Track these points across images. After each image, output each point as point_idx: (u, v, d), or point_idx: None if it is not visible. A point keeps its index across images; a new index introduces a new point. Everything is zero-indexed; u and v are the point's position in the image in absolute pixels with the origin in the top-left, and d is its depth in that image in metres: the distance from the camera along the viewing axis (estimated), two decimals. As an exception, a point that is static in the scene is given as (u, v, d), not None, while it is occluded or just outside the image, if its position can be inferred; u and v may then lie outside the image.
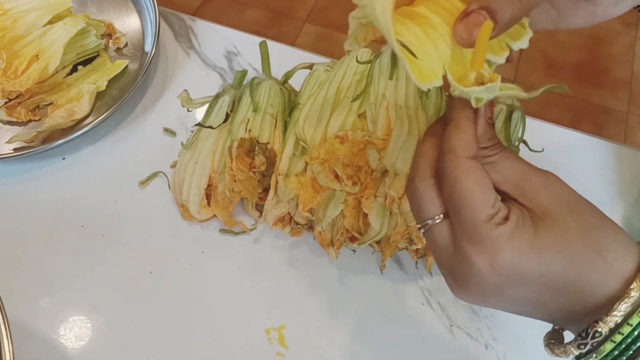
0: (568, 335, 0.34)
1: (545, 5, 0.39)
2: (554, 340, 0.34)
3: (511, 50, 0.35)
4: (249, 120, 0.55)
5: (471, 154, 0.33)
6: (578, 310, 0.32)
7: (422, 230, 0.34)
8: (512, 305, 0.33)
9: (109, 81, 0.66)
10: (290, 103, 0.57)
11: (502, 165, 0.34)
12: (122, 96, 0.62)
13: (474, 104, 0.33)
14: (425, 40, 0.33)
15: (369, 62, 0.52)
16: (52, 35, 0.64)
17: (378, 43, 0.39)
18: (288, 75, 0.59)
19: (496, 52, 0.34)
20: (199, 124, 0.57)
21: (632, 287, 0.29)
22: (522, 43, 0.35)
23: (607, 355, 0.30)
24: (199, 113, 0.64)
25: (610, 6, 0.38)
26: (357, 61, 0.53)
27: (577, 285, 0.31)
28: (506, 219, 0.31)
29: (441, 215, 0.33)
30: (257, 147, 0.56)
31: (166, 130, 0.64)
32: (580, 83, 1.65)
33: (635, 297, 0.29)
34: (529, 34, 0.35)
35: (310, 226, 0.57)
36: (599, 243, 0.31)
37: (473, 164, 0.32)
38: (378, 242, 0.55)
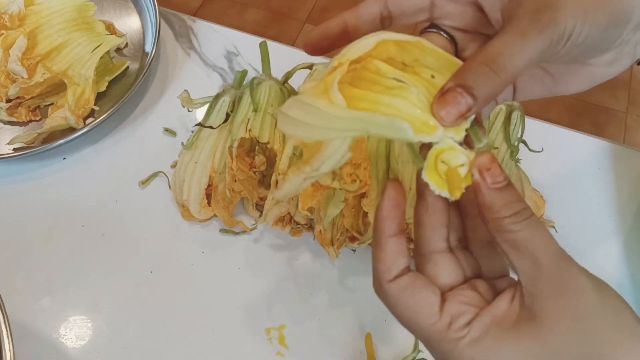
0: None
1: (537, 72, 0.36)
2: None
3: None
4: (249, 120, 0.55)
5: (394, 274, 0.31)
6: None
7: None
8: None
9: (109, 81, 0.66)
10: (290, 103, 0.57)
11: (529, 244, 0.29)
12: (122, 96, 0.62)
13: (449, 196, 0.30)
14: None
15: None
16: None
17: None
18: (288, 75, 0.59)
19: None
20: (199, 124, 0.57)
21: None
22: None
23: None
24: (199, 113, 0.64)
25: (606, 66, 0.34)
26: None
27: None
28: (469, 323, 0.30)
29: None
30: (257, 147, 0.56)
31: (166, 130, 0.64)
32: (580, 83, 1.65)
33: None
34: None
35: (310, 226, 0.57)
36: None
37: (396, 288, 0.31)
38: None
